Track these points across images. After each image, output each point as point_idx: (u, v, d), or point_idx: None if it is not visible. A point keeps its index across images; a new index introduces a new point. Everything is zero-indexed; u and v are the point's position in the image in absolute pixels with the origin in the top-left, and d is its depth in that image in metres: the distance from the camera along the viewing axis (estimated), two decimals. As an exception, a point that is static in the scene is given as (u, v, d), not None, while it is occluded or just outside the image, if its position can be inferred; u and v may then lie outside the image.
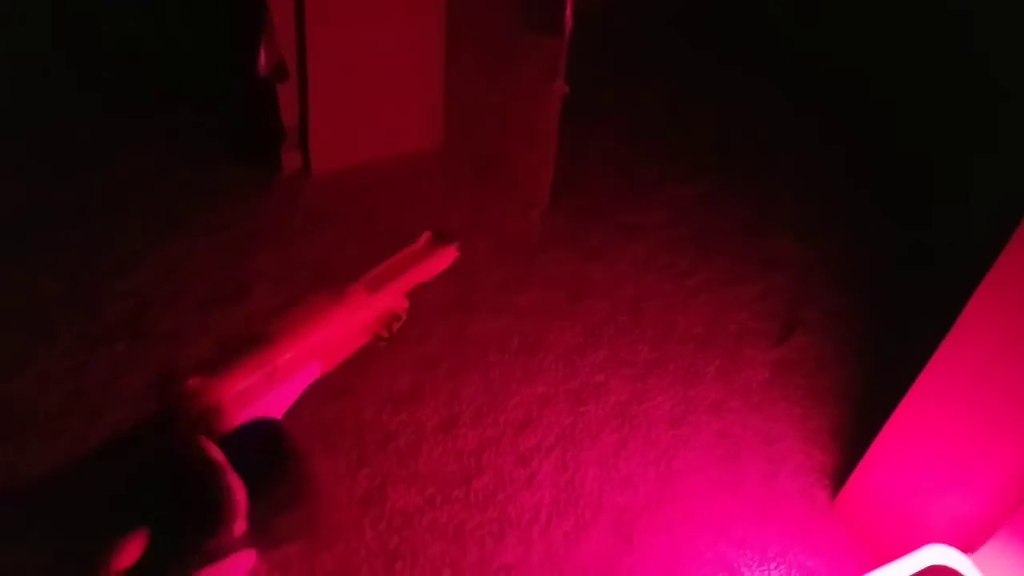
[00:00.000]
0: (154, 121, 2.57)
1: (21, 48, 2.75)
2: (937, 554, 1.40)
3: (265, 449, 1.36)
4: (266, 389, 1.58)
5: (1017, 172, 2.21)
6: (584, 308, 2.19)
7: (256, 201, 2.34)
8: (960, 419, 1.51)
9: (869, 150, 2.91)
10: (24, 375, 1.81)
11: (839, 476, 1.82)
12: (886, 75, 3.23)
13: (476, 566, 1.62)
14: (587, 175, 2.62)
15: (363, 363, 1.95)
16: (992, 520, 1.51)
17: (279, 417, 1.58)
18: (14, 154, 2.37)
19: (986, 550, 1.49)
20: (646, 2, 3.31)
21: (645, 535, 1.71)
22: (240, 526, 1.21)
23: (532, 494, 1.75)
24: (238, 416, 1.48)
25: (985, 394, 1.47)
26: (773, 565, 1.69)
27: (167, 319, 1.99)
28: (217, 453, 1.21)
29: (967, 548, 1.46)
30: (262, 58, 2.18)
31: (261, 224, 2.28)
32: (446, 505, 1.70)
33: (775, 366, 2.09)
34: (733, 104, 3.08)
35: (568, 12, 2.01)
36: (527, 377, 2.00)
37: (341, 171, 2.44)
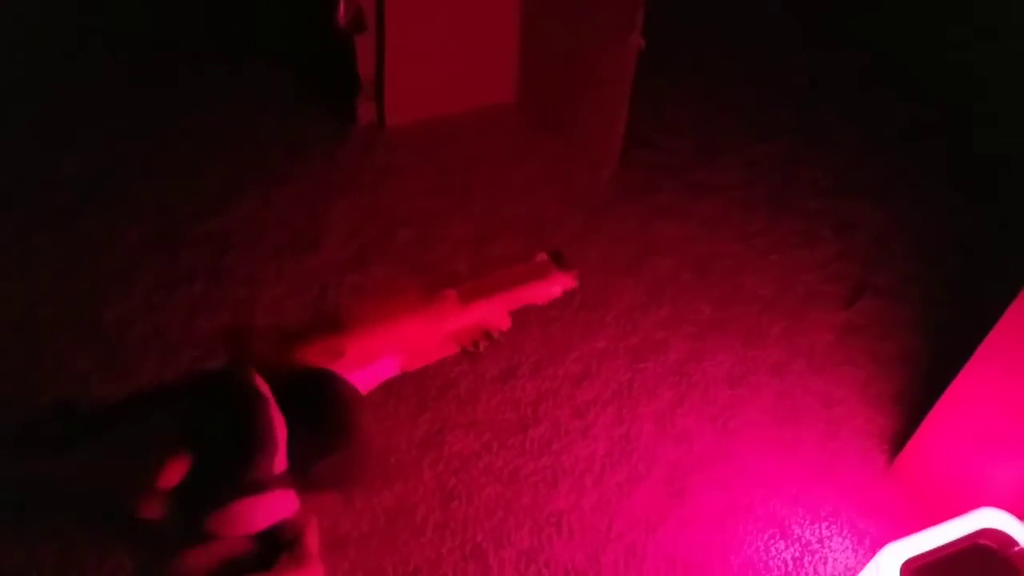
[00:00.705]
0: (230, 74, 2.65)
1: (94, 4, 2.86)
2: (989, 517, 1.38)
3: (316, 397, 1.43)
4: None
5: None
6: (649, 266, 2.19)
7: (331, 152, 2.42)
8: (1020, 386, 1.48)
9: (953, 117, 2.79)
10: (106, 314, 1.93)
11: (898, 441, 1.80)
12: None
13: (529, 509, 1.67)
14: (661, 132, 2.60)
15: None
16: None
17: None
18: (93, 111, 2.47)
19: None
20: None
21: (697, 490, 1.73)
22: (280, 463, 1.28)
23: (587, 445, 1.79)
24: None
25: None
26: (824, 524, 1.69)
27: (243, 264, 2.08)
28: (264, 387, 1.28)
29: (1022, 514, 1.44)
30: (341, 9, 2.23)
31: (335, 175, 2.35)
32: (502, 451, 1.76)
33: (841, 330, 2.07)
34: (816, 63, 2.99)
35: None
36: (588, 332, 2.02)
37: (416, 123, 2.48)
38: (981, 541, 1.38)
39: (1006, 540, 1.37)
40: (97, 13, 2.83)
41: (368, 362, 1.67)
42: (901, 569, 1.34)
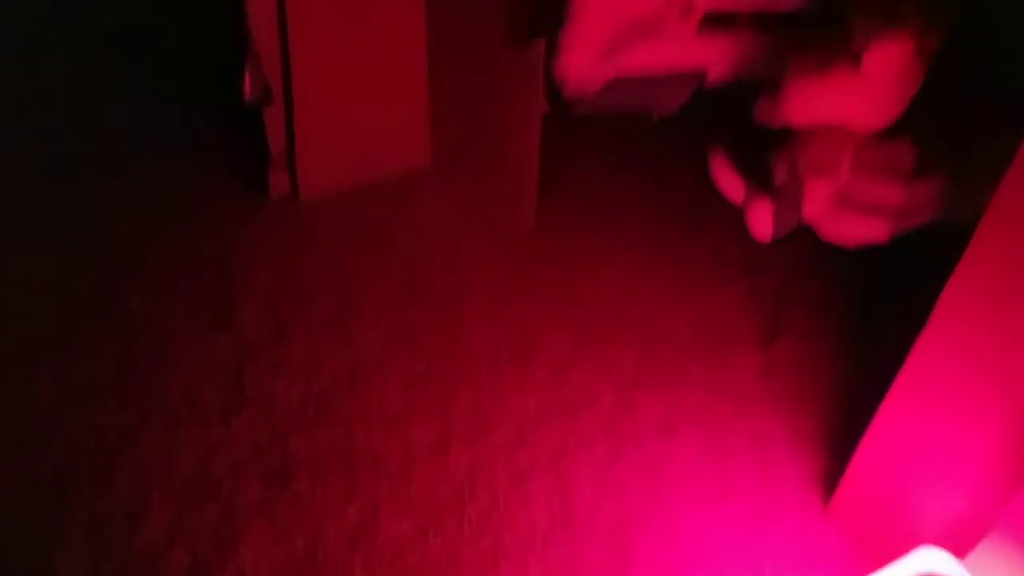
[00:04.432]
0: (133, 148, 2.55)
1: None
2: (927, 559, 1.41)
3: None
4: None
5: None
6: (571, 317, 2.19)
7: (243, 226, 2.33)
8: (943, 414, 1.52)
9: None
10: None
11: (830, 480, 1.83)
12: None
13: (471, 596, 1.63)
14: (573, 187, 2.61)
15: (352, 385, 1.97)
16: (984, 518, 1.52)
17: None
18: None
19: (979, 551, 1.50)
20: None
21: (641, 552, 1.72)
22: None
23: (527, 517, 1.75)
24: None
25: (967, 386, 1.47)
26: None
27: (153, 348, 1.99)
28: None
29: (961, 548, 1.47)
30: (247, 84, 2.17)
31: (249, 249, 2.27)
32: (439, 536, 1.71)
33: (761, 369, 2.10)
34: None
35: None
36: (518, 391, 2.00)
37: (329, 193, 2.43)
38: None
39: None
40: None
41: None
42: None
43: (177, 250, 2.24)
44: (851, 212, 1.77)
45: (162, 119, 2.60)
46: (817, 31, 1.76)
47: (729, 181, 1.95)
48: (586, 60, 1.89)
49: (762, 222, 1.77)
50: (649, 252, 2.40)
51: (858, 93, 1.62)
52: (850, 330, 2.21)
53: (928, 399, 1.55)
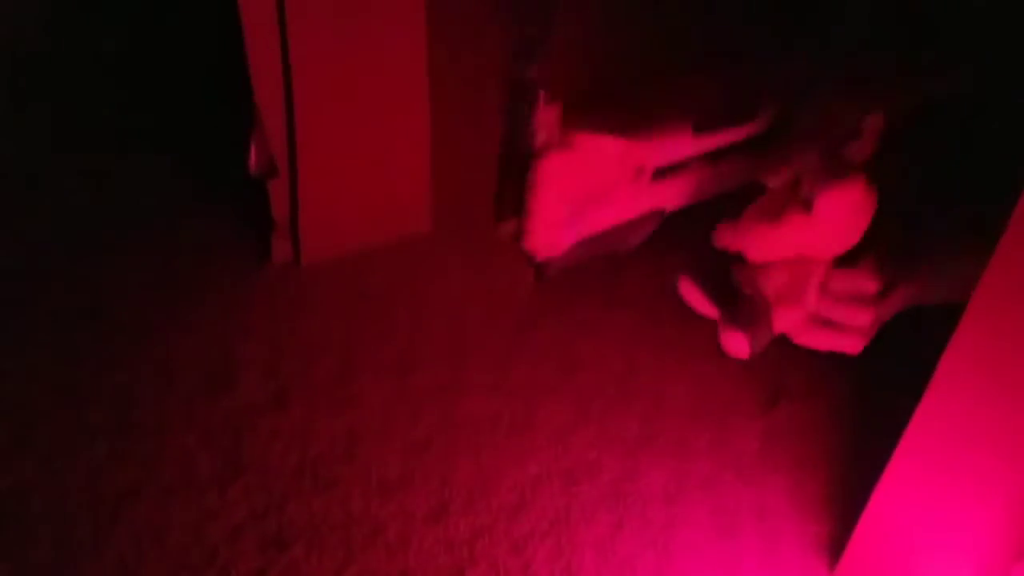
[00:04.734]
0: (135, 215, 2.59)
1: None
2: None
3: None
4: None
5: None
6: (573, 383, 2.18)
7: (245, 292, 2.35)
8: (945, 483, 1.51)
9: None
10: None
11: (836, 546, 1.80)
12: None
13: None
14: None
15: (351, 451, 1.95)
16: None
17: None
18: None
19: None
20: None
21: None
22: None
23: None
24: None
25: (967, 456, 1.47)
26: (776, 646, 1.66)
27: (151, 415, 1.98)
28: None
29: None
30: (252, 157, 2.22)
31: (249, 314, 2.29)
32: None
33: (763, 435, 2.08)
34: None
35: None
36: (519, 458, 1.98)
37: (331, 259, 2.45)
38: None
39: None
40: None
41: None
42: None
43: (178, 315, 2.25)
44: (821, 329, 1.83)
45: (167, 187, 2.66)
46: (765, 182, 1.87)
47: (701, 304, 2.02)
48: (550, 233, 2.01)
49: (737, 346, 1.83)
50: (650, 317, 2.41)
51: (812, 232, 1.70)
52: (850, 393, 2.20)
53: (929, 468, 1.54)
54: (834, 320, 1.78)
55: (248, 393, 2.06)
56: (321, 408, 2.05)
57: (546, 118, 1.84)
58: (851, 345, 1.80)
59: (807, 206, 1.64)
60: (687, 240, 2.38)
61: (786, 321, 1.80)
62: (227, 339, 2.20)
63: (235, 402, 2.04)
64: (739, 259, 2.00)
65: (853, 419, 2.12)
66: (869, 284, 1.72)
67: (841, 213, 1.66)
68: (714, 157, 2.14)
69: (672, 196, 2.14)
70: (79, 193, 2.61)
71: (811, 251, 1.75)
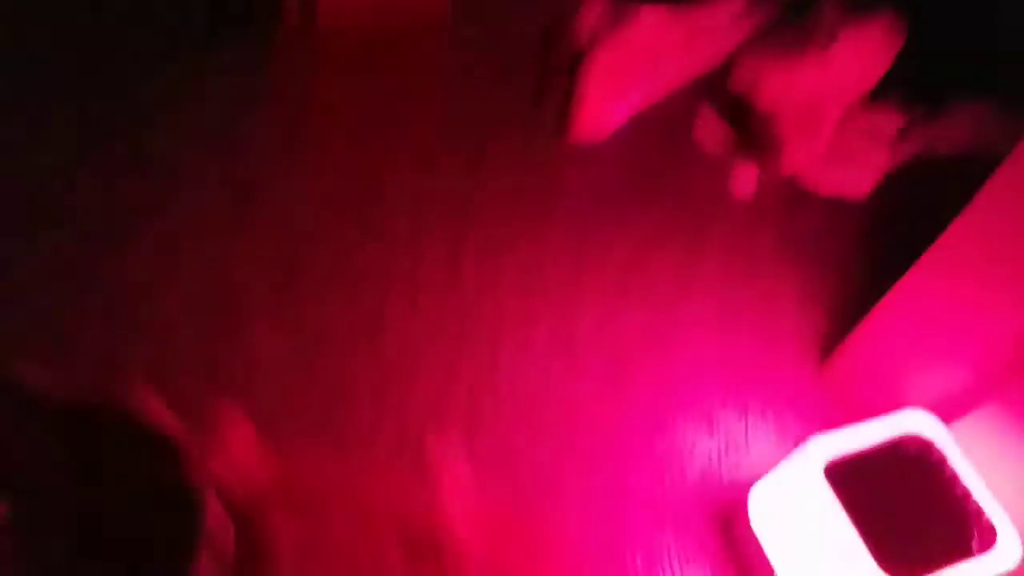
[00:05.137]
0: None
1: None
2: (911, 420, 1.41)
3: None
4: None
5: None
6: (590, 176, 2.11)
7: (258, 58, 2.24)
8: (963, 291, 1.50)
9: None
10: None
11: (831, 344, 1.82)
12: None
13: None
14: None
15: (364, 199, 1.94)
16: (976, 395, 1.52)
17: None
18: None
19: (966, 421, 1.50)
20: None
21: (636, 382, 1.75)
22: None
23: (529, 333, 1.79)
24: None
25: (995, 269, 1.44)
26: (751, 420, 1.73)
27: (168, 157, 1.98)
28: None
29: (947, 418, 1.48)
30: None
31: (262, 79, 2.20)
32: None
33: (780, 235, 2.04)
34: None
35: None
36: (534, 238, 1.97)
37: (345, 29, 2.31)
38: (903, 442, 1.41)
39: (926, 443, 1.40)
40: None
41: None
42: (825, 466, 1.36)
43: (192, 79, 2.15)
44: (833, 169, 1.72)
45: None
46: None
47: (713, 134, 1.90)
48: (598, 123, 1.89)
49: (744, 183, 1.73)
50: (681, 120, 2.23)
51: (831, 73, 1.54)
52: (882, 205, 2.14)
53: (953, 276, 1.52)
54: (848, 160, 1.69)
55: (264, 151, 2.03)
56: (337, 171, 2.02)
57: (593, 6, 1.68)
58: (860, 187, 1.72)
59: (826, 46, 1.50)
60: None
61: (797, 158, 1.72)
62: (241, 103, 2.12)
63: (248, 160, 2.01)
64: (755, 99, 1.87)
65: (885, 231, 2.05)
66: (890, 122, 1.61)
67: (861, 54, 1.52)
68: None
69: (719, 54, 1.97)
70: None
71: (830, 92, 1.63)
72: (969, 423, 1.50)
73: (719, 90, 1.86)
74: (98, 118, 2.02)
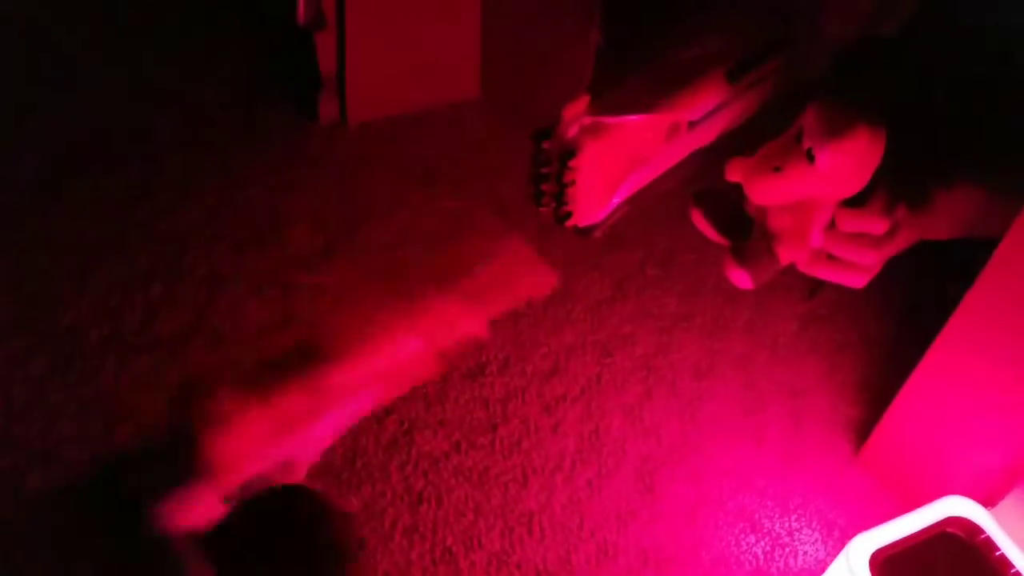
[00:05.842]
0: (186, 74, 2.57)
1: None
2: (955, 506, 1.40)
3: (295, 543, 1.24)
4: (314, 416, 1.53)
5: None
6: (614, 260, 2.18)
7: (292, 150, 2.36)
8: (985, 370, 1.51)
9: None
10: (62, 318, 1.88)
11: (863, 430, 1.82)
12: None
13: (499, 510, 1.67)
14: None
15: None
16: (1014, 473, 1.51)
17: (327, 445, 1.50)
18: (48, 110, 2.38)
19: (1007, 502, 1.49)
20: None
21: (666, 484, 1.74)
22: None
23: (557, 442, 1.78)
24: (281, 444, 1.41)
25: (1011, 344, 1.46)
26: (794, 517, 1.71)
27: (202, 263, 2.04)
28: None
29: (989, 501, 1.47)
30: (300, 6, 2.19)
31: (297, 172, 2.30)
32: (472, 451, 1.75)
33: (804, 319, 2.08)
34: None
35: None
36: (555, 328, 2.01)
37: (378, 120, 2.44)
38: (948, 529, 1.40)
39: (972, 528, 1.39)
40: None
41: (349, 396, 1.61)
42: (869, 560, 1.35)
43: (227, 169, 2.27)
44: (827, 264, 1.80)
45: (210, 49, 2.62)
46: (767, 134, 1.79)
47: (710, 232, 1.99)
48: (592, 210, 1.94)
49: (741, 279, 1.81)
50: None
51: (816, 182, 1.63)
52: (895, 283, 2.16)
53: (973, 351, 1.53)
54: (840, 257, 1.75)
55: (295, 248, 2.10)
56: (370, 264, 2.08)
57: (575, 111, 1.80)
58: (855, 280, 1.77)
59: (810, 158, 1.58)
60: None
61: (791, 256, 1.78)
62: (274, 196, 2.23)
63: (283, 256, 2.08)
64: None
65: (898, 309, 2.10)
66: (877, 225, 1.67)
67: (845, 165, 1.60)
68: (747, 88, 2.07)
69: (708, 136, 2.08)
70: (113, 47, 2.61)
71: (816, 198, 1.70)
72: (1010, 503, 1.49)
73: (705, 190, 1.92)
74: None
